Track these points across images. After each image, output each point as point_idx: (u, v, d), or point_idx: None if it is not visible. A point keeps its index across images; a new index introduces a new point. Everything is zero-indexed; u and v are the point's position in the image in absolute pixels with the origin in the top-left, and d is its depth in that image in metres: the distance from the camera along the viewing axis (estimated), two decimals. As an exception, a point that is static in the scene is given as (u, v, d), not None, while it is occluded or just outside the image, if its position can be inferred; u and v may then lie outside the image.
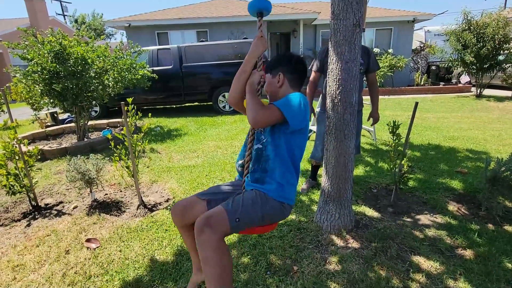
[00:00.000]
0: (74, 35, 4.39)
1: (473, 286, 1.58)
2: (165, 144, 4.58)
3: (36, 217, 2.48)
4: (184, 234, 1.49)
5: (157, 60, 7.03)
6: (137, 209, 2.52)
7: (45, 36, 4.05)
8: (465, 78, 11.05)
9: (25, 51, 3.95)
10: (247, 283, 1.64)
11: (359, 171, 3.26)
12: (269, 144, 1.35)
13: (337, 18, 1.85)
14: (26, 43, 3.98)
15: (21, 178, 2.48)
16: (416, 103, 2.33)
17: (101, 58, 4.44)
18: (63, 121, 6.21)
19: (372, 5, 16.48)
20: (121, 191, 2.95)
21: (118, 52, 4.97)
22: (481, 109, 6.97)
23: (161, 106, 8.35)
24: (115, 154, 2.54)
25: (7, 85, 4.92)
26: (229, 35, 10.68)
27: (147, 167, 3.58)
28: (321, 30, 11.99)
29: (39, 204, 2.65)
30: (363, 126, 3.09)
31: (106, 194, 2.87)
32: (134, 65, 5.07)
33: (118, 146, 2.62)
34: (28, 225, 2.36)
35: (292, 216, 2.33)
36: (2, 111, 6.21)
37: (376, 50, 11.39)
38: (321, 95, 2.77)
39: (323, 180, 2.17)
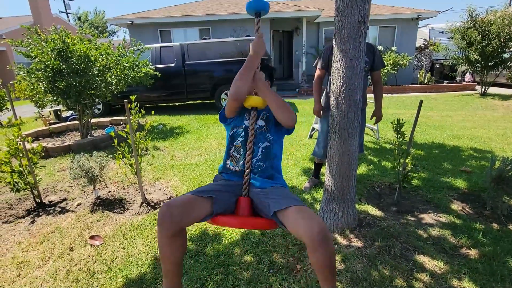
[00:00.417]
0: (77, 32, 4.40)
1: (477, 286, 1.57)
2: (168, 142, 4.58)
3: (40, 214, 2.49)
4: (173, 245, 1.14)
5: (159, 57, 7.03)
6: (140, 206, 2.53)
7: (49, 34, 4.06)
8: (469, 77, 10.96)
9: (28, 48, 3.95)
10: (250, 281, 1.64)
11: (362, 169, 3.25)
12: (275, 142, 1.45)
13: (341, 15, 1.83)
14: (29, 40, 3.99)
15: (25, 175, 2.49)
16: (421, 102, 2.30)
17: (104, 56, 4.45)
18: (66, 119, 6.24)
19: (375, 2, 16.35)
20: (124, 188, 2.96)
21: (121, 50, 4.97)
22: (486, 108, 6.91)
23: (164, 104, 8.36)
24: (118, 152, 2.55)
25: (11, 82, 4.93)
26: (232, 32, 10.64)
27: (150, 164, 3.59)
28: (324, 28, 11.89)
29: (43, 201, 2.67)
30: (366, 124, 3.08)
31: (109, 191, 2.88)
32: (137, 62, 5.07)
33: (121, 144, 2.64)
34: (32, 222, 2.37)
35: (295, 215, 2.32)
36: (6, 108, 6.25)
37: (379, 47, 11.31)
38: (324, 93, 2.76)
39: (327, 178, 2.16)
